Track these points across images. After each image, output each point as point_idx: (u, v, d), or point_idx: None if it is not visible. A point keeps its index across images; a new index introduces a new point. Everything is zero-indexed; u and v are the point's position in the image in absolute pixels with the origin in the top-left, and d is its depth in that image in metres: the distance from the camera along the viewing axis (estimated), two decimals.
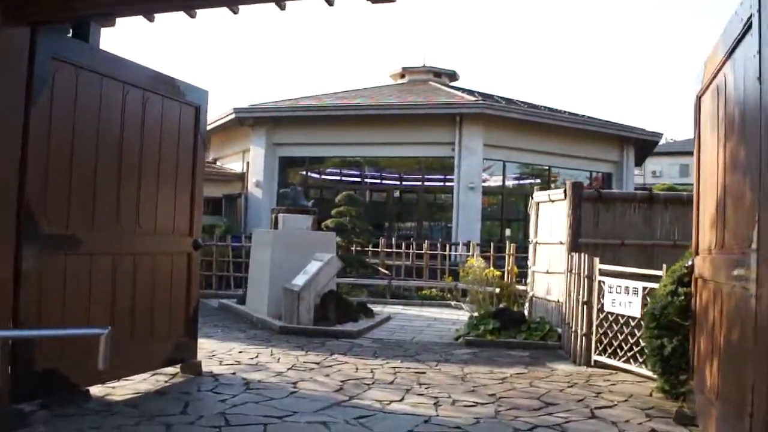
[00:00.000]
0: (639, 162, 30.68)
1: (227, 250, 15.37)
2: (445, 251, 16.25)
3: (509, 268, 14.61)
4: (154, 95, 6.84)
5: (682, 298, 6.23)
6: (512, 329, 10.03)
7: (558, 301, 9.94)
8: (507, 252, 14.76)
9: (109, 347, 3.67)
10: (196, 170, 7.49)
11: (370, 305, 13.46)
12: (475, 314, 11.02)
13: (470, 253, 15.24)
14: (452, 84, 31.04)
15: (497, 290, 13.37)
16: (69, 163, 5.81)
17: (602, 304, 8.13)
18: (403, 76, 31.81)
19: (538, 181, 29.15)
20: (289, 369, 7.83)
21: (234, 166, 29.54)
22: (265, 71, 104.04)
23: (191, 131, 7.40)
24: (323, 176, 28.91)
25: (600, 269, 8.25)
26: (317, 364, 8.19)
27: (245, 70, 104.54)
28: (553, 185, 28.47)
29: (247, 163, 27.61)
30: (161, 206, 6.97)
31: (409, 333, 10.93)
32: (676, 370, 6.36)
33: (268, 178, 26.14)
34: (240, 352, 8.87)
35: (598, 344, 8.23)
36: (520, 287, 14.44)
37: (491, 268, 14.16)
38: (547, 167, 27.66)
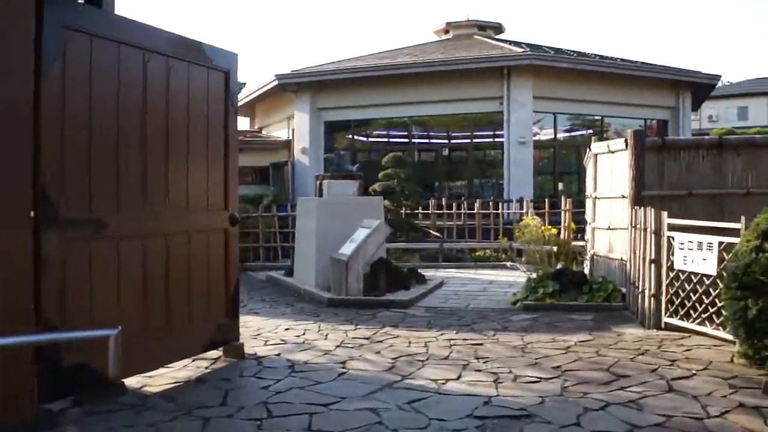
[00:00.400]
0: (695, 107, 29.46)
1: (273, 221, 14.96)
2: (498, 210, 15.54)
3: (566, 224, 13.94)
4: (179, 61, 6.34)
5: None
6: (573, 291, 9.43)
7: (621, 260, 9.31)
8: (563, 207, 14.08)
9: (119, 349, 3.22)
10: (229, 139, 7.00)
11: (422, 270, 12.96)
12: (533, 276, 10.43)
13: (524, 211, 14.59)
14: (498, 37, 30.08)
15: (554, 248, 12.79)
16: (88, 142, 5.36)
17: (672, 262, 7.47)
18: (447, 31, 30.94)
19: (591, 132, 28.25)
20: (337, 346, 7.37)
21: (280, 133, 29.16)
22: (306, 35, 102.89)
23: (221, 98, 6.90)
24: (370, 139, 28.36)
25: (668, 224, 7.59)
26: (367, 339, 7.72)
27: (285, 35, 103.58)
28: (605, 135, 27.54)
29: (293, 129, 27.18)
30: (192, 180, 6.51)
31: (464, 299, 10.40)
32: (761, 335, 5.71)
33: (314, 144, 25.66)
34: (286, 329, 8.44)
35: (669, 305, 7.59)
36: (578, 243, 13.82)
37: (547, 226, 13.55)
38: (599, 117, 26.67)
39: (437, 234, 15.69)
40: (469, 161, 26.56)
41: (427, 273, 13.17)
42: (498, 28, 30.98)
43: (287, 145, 27.84)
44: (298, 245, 12.15)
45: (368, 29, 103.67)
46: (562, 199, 14.22)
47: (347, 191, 11.50)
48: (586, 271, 11.06)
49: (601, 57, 27.78)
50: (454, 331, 7.99)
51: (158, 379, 6.03)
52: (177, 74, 6.30)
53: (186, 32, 6.99)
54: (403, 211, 15.96)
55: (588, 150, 10.78)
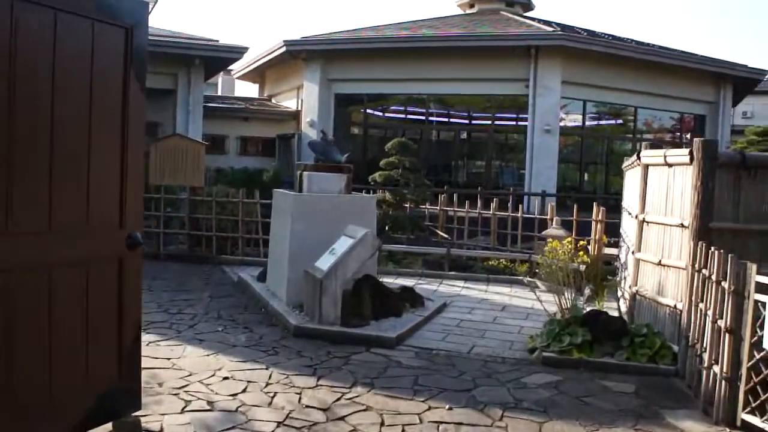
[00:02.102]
0: (735, 103, 26.75)
1: (255, 208, 12.62)
2: (518, 213, 13.07)
3: (597, 237, 11.56)
4: (38, 8, 4.00)
5: None
6: (608, 343, 7.06)
7: (675, 308, 6.92)
8: (594, 217, 11.66)
9: None
10: (129, 124, 4.61)
11: (424, 282, 10.72)
12: (555, 312, 8.09)
13: (548, 217, 12.17)
14: (526, 14, 27.44)
15: (582, 267, 10.44)
16: None
17: (760, 337, 5.10)
18: (472, 5, 28.31)
19: (620, 122, 25.72)
20: (279, 425, 5.08)
21: (289, 103, 26.84)
22: (324, 3, 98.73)
23: (118, 66, 4.52)
24: (386, 114, 25.95)
25: (759, 282, 5.19)
26: (325, 410, 5.41)
27: (302, 3, 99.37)
28: (630, 125, 24.99)
29: (301, 100, 24.83)
30: (60, 186, 4.19)
31: (468, 335, 8.03)
32: None
33: (323, 117, 23.35)
34: (225, 377, 6.13)
35: (750, 397, 5.23)
36: (610, 251, 11.52)
37: (574, 243, 11.28)
38: (632, 107, 24.09)
39: (445, 236, 13.29)
40: (489, 144, 24.15)
41: (429, 286, 10.88)
42: (527, 5, 28.36)
43: (296, 116, 25.58)
44: (272, 248, 9.85)
45: (389, 1, 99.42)
46: (595, 208, 11.75)
47: (333, 187, 9.11)
48: (623, 308, 8.69)
49: (638, 43, 25.10)
50: (446, 404, 5.66)
51: None
52: (30, 28, 3.95)
53: None
54: (407, 206, 13.52)
55: (635, 158, 8.29)
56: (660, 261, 7.26)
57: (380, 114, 25.92)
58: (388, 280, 10.98)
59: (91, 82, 4.34)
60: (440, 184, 21.63)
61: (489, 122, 24.20)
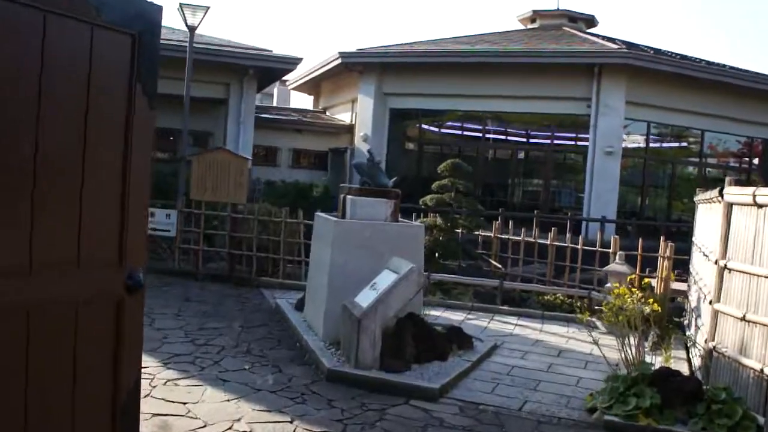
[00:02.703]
0: None
1: (299, 228, 11.91)
2: (578, 244, 12.10)
3: (663, 274, 10.59)
4: (28, 9, 3.33)
5: None
6: (680, 407, 6.14)
7: (762, 372, 5.97)
8: (661, 253, 10.69)
9: None
10: (133, 144, 3.89)
11: (474, 317, 9.92)
12: (617, 365, 7.19)
13: (611, 250, 11.20)
14: (589, 30, 26.39)
15: (647, 309, 9.52)
16: None
17: None
18: (533, 20, 27.34)
19: (683, 144, 24.49)
20: None
21: (343, 117, 26.22)
22: (378, 15, 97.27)
23: (122, 78, 3.83)
24: (442, 130, 25.17)
25: None
26: None
27: (354, 14, 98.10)
28: (694, 147, 23.76)
29: (356, 114, 24.20)
30: (48, 214, 3.49)
31: (520, 386, 7.16)
32: None
33: (377, 132, 22.66)
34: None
35: None
36: (678, 286, 10.58)
37: (637, 278, 10.35)
38: (698, 129, 22.87)
39: (498, 265, 12.39)
40: (548, 164, 23.16)
41: (480, 322, 10.06)
42: (590, 21, 27.29)
43: (349, 129, 24.95)
44: (311, 275, 9.12)
45: (447, 14, 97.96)
46: (662, 244, 10.75)
47: (378, 214, 8.34)
48: (696, 363, 7.73)
49: (707, 62, 23.86)
50: None
51: None
52: (12, 32, 3.27)
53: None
54: (459, 231, 12.63)
55: (715, 194, 7.34)
56: (744, 316, 6.31)
57: (436, 130, 25.16)
58: (436, 313, 10.21)
59: (87, 96, 3.65)
60: (495, 203, 20.71)
61: (548, 141, 23.27)
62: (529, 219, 15.91)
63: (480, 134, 23.98)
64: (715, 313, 6.93)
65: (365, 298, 7.32)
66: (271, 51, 20.73)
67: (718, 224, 7.13)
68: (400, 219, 8.77)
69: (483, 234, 12.73)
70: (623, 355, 7.23)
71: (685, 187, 24.27)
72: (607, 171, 20.37)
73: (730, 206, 6.86)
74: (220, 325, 8.85)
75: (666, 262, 10.50)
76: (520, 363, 8.10)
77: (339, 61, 22.63)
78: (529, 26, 27.31)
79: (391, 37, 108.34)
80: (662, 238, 10.95)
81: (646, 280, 10.85)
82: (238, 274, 11.97)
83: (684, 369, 7.99)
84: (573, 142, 23.37)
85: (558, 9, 27.07)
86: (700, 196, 10.09)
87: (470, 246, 12.48)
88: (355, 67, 22.89)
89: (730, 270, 6.74)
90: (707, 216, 8.66)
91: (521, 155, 24.82)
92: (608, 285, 10.64)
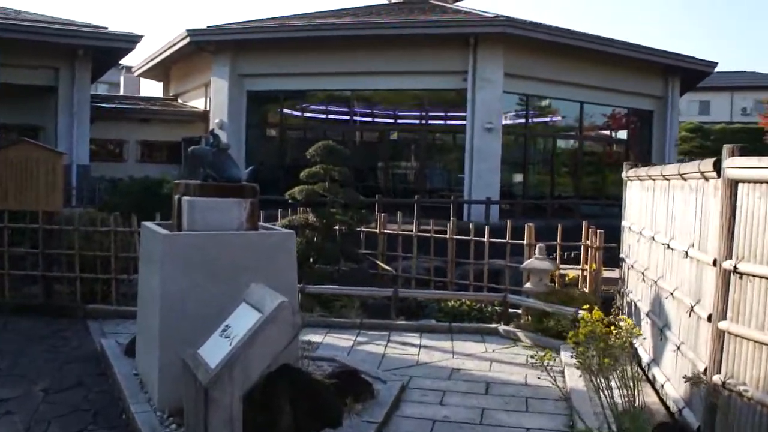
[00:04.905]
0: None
1: (134, 239, 9.02)
2: (471, 233, 9.79)
3: (592, 269, 8.51)
4: None
5: None
6: None
7: None
8: (585, 240, 8.60)
9: None
10: None
11: (365, 336, 7.58)
12: (600, 419, 4.93)
13: (524, 242, 8.97)
14: (456, 6, 24.34)
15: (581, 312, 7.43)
16: None
17: None
18: None
19: (558, 119, 22.95)
20: None
21: (197, 103, 23.15)
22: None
23: None
24: (305, 114, 22.56)
25: None
26: None
27: None
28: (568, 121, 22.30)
29: (210, 99, 21.25)
30: None
31: None
32: None
33: (234, 118, 19.81)
34: None
35: None
36: (608, 273, 8.66)
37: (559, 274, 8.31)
38: (577, 102, 21.33)
39: (388, 268, 9.91)
40: (421, 144, 21.01)
41: (374, 347, 7.62)
42: None
43: (204, 117, 21.95)
44: (140, 310, 6.34)
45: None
46: (592, 234, 8.64)
47: (229, 221, 5.64)
48: (674, 397, 5.55)
49: (583, 33, 22.34)
50: None
51: None
52: None
53: None
54: (337, 228, 10.00)
55: (707, 171, 5.10)
56: None
57: (299, 114, 22.54)
58: (316, 338, 7.70)
59: None
60: (367, 190, 18.34)
61: (421, 121, 21.17)
62: (406, 205, 13.74)
63: (347, 117, 21.59)
64: (720, 335, 4.73)
65: (215, 350, 4.71)
66: (106, 28, 17.50)
67: (712, 211, 4.96)
68: (260, 224, 6.13)
69: (366, 229, 10.24)
70: (601, 399, 4.98)
71: (564, 163, 22.87)
72: (488, 149, 18.44)
73: (734, 185, 4.67)
74: (13, 393, 5.97)
75: (596, 255, 8.41)
76: (441, 413, 5.68)
77: (188, 40, 19.58)
78: (394, 1, 25.02)
79: (245, 16, 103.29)
80: (585, 223, 8.82)
81: (571, 275, 8.83)
82: (57, 303, 9.02)
83: (652, 402, 5.88)
84: (448, 121, 21.40)
85: None
86: (632, 172, 8.06)
87: (351, 245, 9.96)
88: (206, 47, 19.91)
89: (742, 275, 4.55)
90: (646, 195, 6.60)
91: (393, 136, 22.57)
92: (528, 285, 8.49)
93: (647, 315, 6.88)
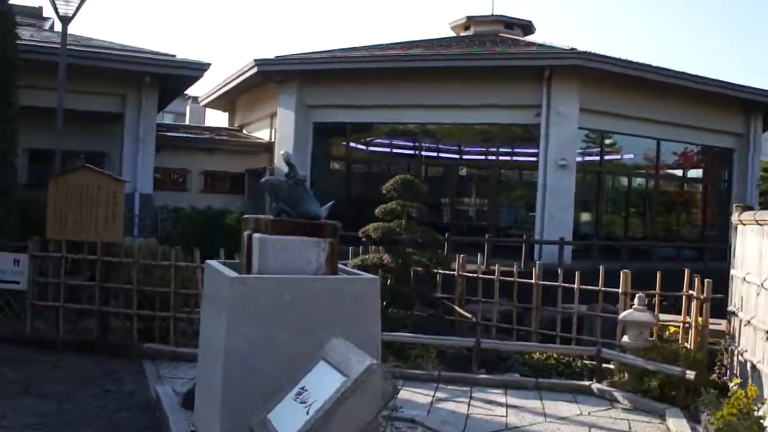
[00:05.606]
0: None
1: (195, 275, 8.40)
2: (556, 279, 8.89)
3: (697, 324, 7.55)
4: None
5: None
6: None
7: None
8: (697, 293, 7.63)
9: None
10: None
11: (444, 392, 6.81)
12: None
13: (620, 290, 8.05)
14: (526, 39, 23.55)
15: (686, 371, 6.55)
16: None
17: None
18: (467, 27, 24.40)
19: (631, 156, 21.84)
20: None
21: (262, 134, 22.79)
22: (299, 25, 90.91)
23: None
24: (369, 148, 21.97)
25: None
26: None
27: (273, 23, 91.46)
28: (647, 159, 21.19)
29: (275, 130, 20.82)
30: None
31: None
32: None
33: (300, 149, 19.20)
34: None
35: None
36: (715, 324, 7.76)
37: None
38: (653, 139, 20.26)
39: (468, 315, 9.07)
40: (490, 182, 20.21)
41: (457, 405, 6.82)
42: (528, 27, 24.52)
43: (268, 148, 21.51)
44: (201, 360, 5.65)
45: (374, 24, 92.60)
46: (697, 282, 7.68)
47: (306, 263, 4.89)
48: None
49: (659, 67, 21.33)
50: None
51: None
52: None
53: None
54: (412, 269, 9.12)
55: None
56: None
57: (363, 148, 21.94)
58: None
59: None
60: (435, 228, 17.55)
61: (491, 157, 20.34)
62: (473, 244, 12.94)
63: (412, 151, 20.93)
64: None
65: (288, 417, 3.97)
66: (174, 56, 17.20)
67: None
68: (340, 267, 5.38)
69: (443, 271, 9.42)
70: None
71: (634, 203, 21.80)
72: (561, 187, 17.50)
73: None
74: None
75: (702, 307, 7.46)
76: None
77: (255, 69, 19.17)
78: (463, 34, 24.39)
79: (310, 47, 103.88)
80: (687, 271, 7.86)
81: (672, 328, 7.90)
82: (112, 340, 8.43)
83: None
84: (514, 157, 20.54)
85: (493, 15, 24.31)
86: (747, 215, 7.13)
87: (427, 288, 9.14)
88: (273, 77, 19.47)
89: None
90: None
91: (462, 172, 21.79)
92: (625, 338, 7.57)
93: None
